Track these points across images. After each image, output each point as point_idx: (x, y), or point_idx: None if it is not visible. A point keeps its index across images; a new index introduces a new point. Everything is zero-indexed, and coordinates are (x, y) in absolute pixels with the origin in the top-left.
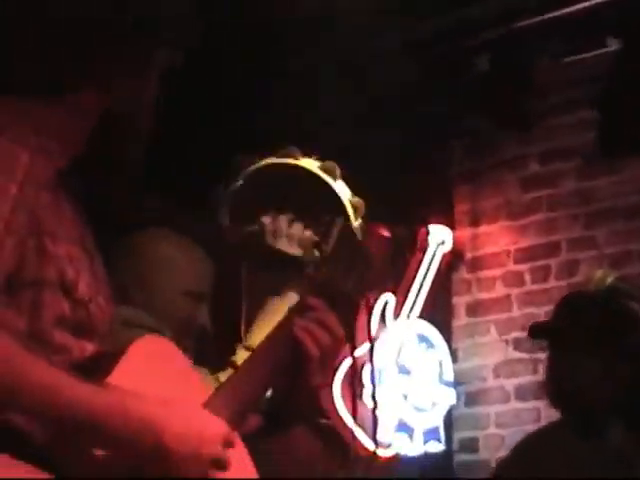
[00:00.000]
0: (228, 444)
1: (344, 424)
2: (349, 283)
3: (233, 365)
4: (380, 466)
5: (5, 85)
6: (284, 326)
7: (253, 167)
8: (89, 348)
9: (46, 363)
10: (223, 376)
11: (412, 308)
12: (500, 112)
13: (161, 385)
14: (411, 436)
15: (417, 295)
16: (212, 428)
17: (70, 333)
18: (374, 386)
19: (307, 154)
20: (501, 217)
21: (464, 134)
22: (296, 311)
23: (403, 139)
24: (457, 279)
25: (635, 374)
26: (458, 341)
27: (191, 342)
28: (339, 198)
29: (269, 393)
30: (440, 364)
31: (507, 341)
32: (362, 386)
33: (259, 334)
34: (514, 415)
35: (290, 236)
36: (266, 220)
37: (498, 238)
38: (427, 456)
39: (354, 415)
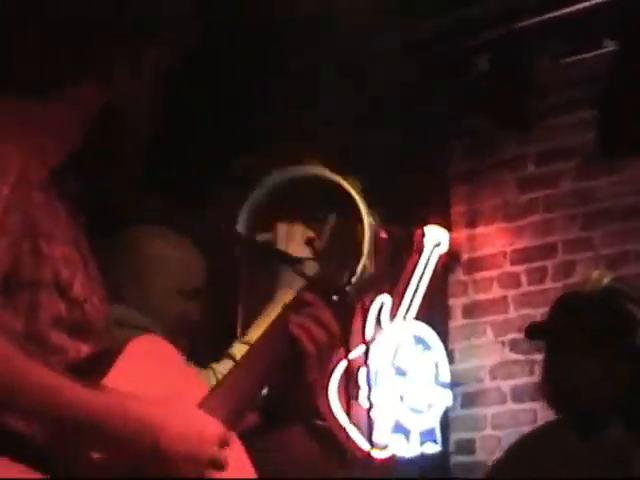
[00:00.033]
0: (224, 444)
1: (340, 425)
2: (343, 279)
3: (229, 356)
4: (377, 467)
5: (5, 85)
6: (279, 323)
7: (281, 176)
8: (84, 349)
9: (45, 364)
10: (218, 366)
11: (408, 309)
12: (500, 112)
13: (159, 384)
14: (407, 437)
15: (413, 296)
16: (211, 428)
17: (66, 334)
18: (370, 388)
19: (339, 170)
20: (498, 218)
21: (464, 134)
22: (291, 307)
23: (403, 139)
24: (453, 280)
25: (635, 374)
26: (454, 342)
27: (184, 340)
28: (358, 209)
29: (265, 390)
30: (436, 365)
31: (503, 342)
32: (358, 388)
33: (257, 330)
34: (511, 416)
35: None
36: (281, 228)
37: (494, 239)
38: (423, 457)
39: (349, 415)
